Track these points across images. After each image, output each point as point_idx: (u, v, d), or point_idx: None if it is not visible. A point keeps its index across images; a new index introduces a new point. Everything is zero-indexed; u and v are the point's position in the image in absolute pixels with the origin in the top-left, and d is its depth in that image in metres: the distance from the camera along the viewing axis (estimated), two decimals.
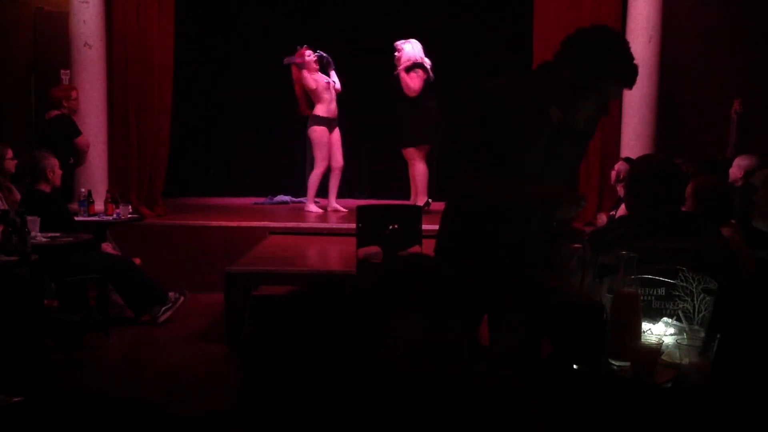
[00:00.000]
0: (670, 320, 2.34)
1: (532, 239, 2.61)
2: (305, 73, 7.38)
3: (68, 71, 7.09)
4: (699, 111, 7.18)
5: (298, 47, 7.49)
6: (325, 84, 7.41)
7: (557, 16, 7.27)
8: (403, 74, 7.29)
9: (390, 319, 1.55)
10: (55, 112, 6.69)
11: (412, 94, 7.28)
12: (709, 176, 4.13)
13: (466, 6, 8.65)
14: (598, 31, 2.41)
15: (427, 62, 7.36)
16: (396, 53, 7.39)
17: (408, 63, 7.29)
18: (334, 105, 7.45)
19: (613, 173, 6.13)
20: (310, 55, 7.41)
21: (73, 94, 6.78)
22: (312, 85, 7.37)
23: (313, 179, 7.54)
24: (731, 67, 7.50)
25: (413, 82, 7.26)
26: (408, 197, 7.62)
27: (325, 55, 7.50)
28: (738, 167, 5.52)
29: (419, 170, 7.42)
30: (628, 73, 2.36)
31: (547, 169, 2.49)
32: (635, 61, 2.36)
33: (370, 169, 8.70)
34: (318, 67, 7.47)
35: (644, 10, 7.00)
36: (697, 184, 3.68)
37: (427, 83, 7.31)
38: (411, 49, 7.35)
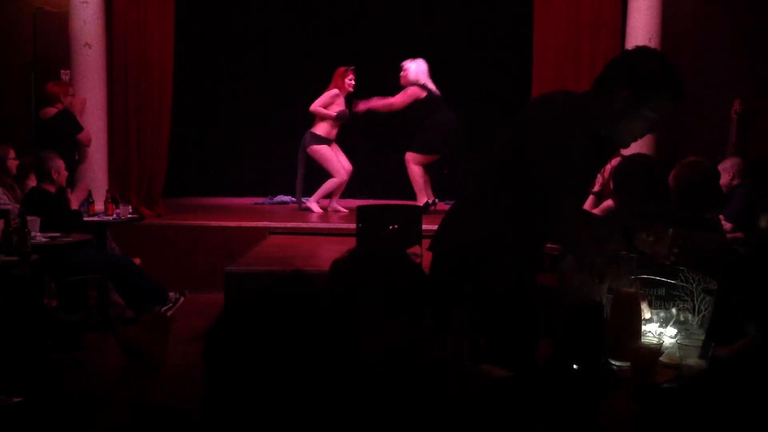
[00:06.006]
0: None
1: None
2: (332, 93, 7.44)
3: (68, 71, 7.07)
4: (699, 111, 7.17)
5: (344, 68, 7.49)
6: (341, 113, 7.47)
7: (557, 16, 7.28)
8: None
9: (367, 315, 1.53)
10: (53, 110, 6.55)
11: (388, 106, 7.38)
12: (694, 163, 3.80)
13: (466, 6, 8.64)
14: (648, 51, 2.46)
15: (430, 83, 7.43)
16: (402, 72, 7.44)
17: (411, 82, 7.39)
18: (335, 131, 7.55)
19: (608, 168, 6.11)
20: (351, 80, 7.49)
21: (71, 90, 6.70)
22: (327, 102, 7.42)
23: (329, 185, 7.59)
24: (731, 67, 7.49)
25: (397, 99, 7.39)
26: (408, 197, 7.65)
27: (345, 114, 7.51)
28: (724, 171, 5.54)
29: (413, 172, 7.54)
30: (679, 92, 2.37)
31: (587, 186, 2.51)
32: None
33: (370, 169, 8.69)
34: (345, 94, 7.52)
35: (644, 10, 7.00)
36: (679, 173, 3.50)
37: (427, 100, 7.36)
38: (415, 69, 7.42)
